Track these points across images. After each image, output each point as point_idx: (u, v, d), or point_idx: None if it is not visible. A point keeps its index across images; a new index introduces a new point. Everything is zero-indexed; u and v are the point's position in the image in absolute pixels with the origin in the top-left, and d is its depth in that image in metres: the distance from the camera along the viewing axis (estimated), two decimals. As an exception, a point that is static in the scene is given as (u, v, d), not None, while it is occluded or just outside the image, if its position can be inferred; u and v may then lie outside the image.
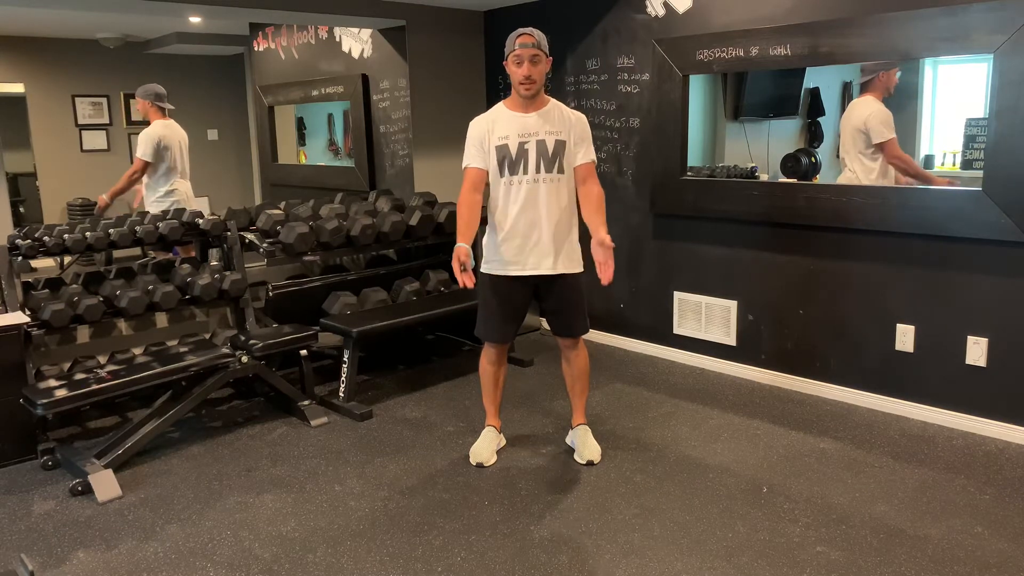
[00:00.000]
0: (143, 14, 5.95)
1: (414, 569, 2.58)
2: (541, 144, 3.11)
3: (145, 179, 5.17)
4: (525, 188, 3.13)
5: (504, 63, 3.12)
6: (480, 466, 3.30)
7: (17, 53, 7.43)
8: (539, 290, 3.26)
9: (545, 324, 5.37)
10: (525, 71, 3.04)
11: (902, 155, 4.09)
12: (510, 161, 3.12)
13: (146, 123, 5.25)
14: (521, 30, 3.08)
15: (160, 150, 5.07)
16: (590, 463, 3.30)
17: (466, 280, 2.89)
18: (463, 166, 3.19)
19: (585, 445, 3.36)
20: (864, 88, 4.13)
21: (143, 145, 5.07)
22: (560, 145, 3.12)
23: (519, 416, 3.84)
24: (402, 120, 5.32)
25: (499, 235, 3.18)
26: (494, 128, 3.14)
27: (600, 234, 3.01)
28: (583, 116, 3.22)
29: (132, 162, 5.32)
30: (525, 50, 3.02)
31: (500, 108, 3.21)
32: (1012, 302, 3.39)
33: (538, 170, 3.11)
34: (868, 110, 4.03)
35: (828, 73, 5.67)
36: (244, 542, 2.77)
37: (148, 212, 4.67)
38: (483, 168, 3.15)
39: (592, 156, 3.20)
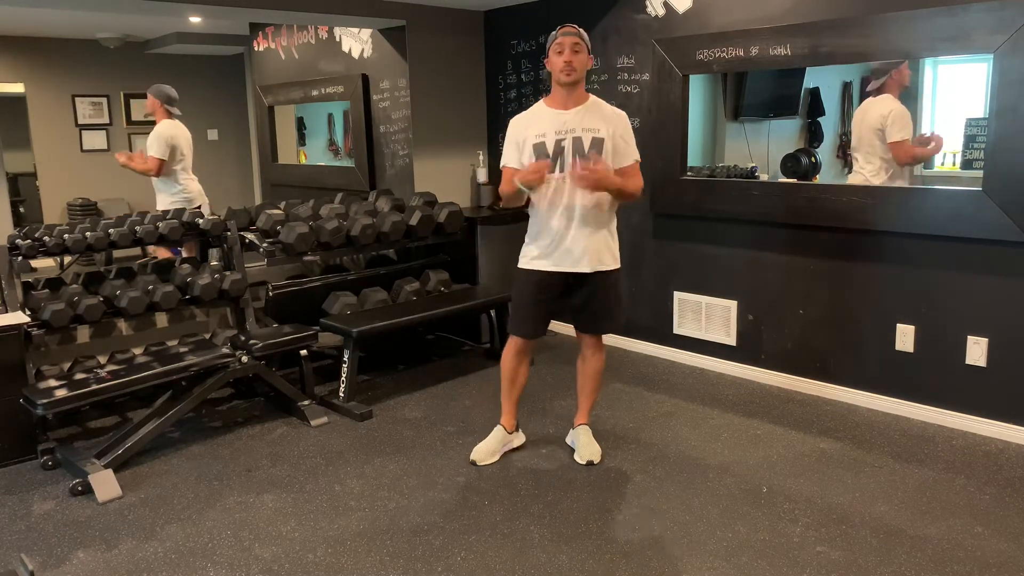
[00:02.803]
0: (143, 14, 5.95)
1: (414, 569, 2.58)
2: (577, 141, 3.06)
3: (156, 182, 5.15)
4: (559, 186, 3.09)
5: (545, 60, 3.13)
6: (474, 464, 3.30)
7: (17, 53, 7.44)
8: (570, 286, 3.21)
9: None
10: (566, 57, 3.02)
11: (915, 154, 4.12)
12: (546, 159, 3.07)
13: (150, 123, 5.25)
14: (562, 25, 3.10)
15: (172, 149, 5.05)
16: (590, 463, 3.30)
17: (539, 166, 2.98)
18: (501, 164, 3.20)
19: (585, 445, 3.36)
20: (880, 89, 4.14)
21: (157, 144, 5.00)
22: (597, 143, 3.06)
23: (519, 416, 3.83)
24: (402, 120, 5.32)
25: (534, 229, 3.19)
26: (530, 126, 3.13)
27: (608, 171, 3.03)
28: (623, 114, 3.19)
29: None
30: (567, 38, 3.03)
31: (540, 106, 3.19)
32: (1012, 302, 3.38)
33: (573, 168, 3.05)
34: (887, 108, 4.04)
35: (828, 73, 5.67)
36: (244, 542, 2.77)
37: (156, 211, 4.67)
38: (520, 168, 3.11)
39: (635, 156, 3.16)
